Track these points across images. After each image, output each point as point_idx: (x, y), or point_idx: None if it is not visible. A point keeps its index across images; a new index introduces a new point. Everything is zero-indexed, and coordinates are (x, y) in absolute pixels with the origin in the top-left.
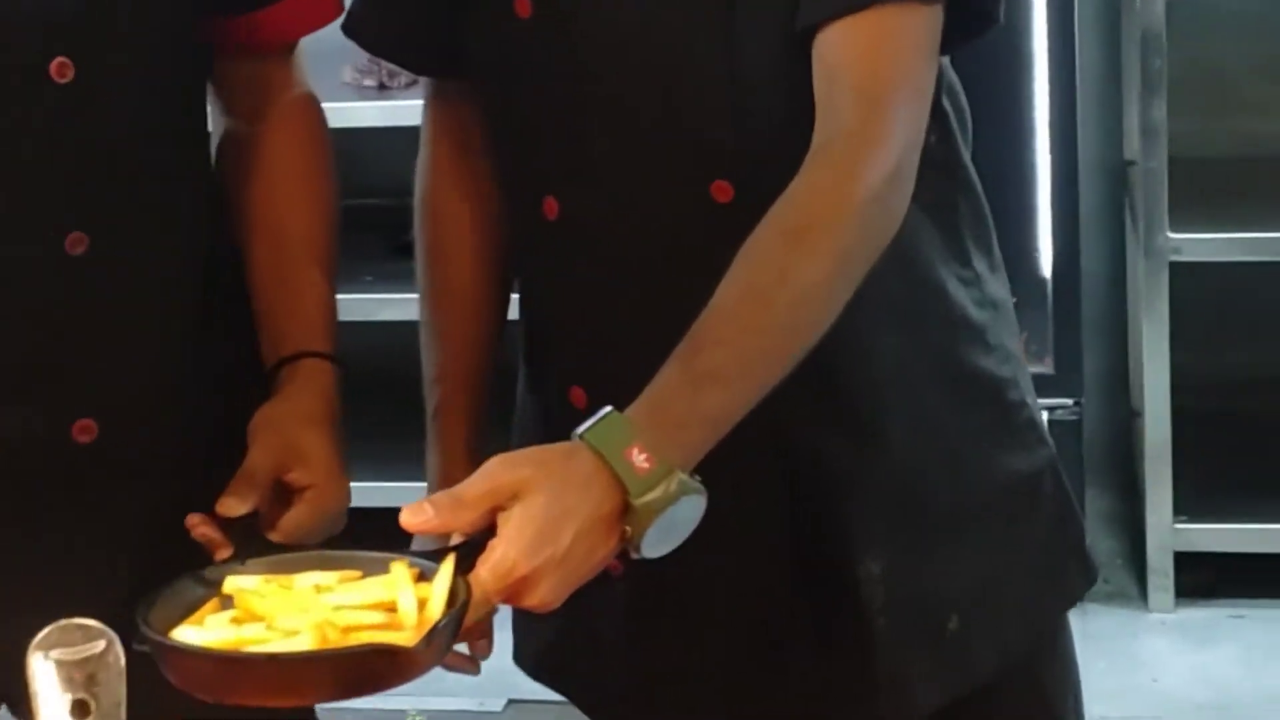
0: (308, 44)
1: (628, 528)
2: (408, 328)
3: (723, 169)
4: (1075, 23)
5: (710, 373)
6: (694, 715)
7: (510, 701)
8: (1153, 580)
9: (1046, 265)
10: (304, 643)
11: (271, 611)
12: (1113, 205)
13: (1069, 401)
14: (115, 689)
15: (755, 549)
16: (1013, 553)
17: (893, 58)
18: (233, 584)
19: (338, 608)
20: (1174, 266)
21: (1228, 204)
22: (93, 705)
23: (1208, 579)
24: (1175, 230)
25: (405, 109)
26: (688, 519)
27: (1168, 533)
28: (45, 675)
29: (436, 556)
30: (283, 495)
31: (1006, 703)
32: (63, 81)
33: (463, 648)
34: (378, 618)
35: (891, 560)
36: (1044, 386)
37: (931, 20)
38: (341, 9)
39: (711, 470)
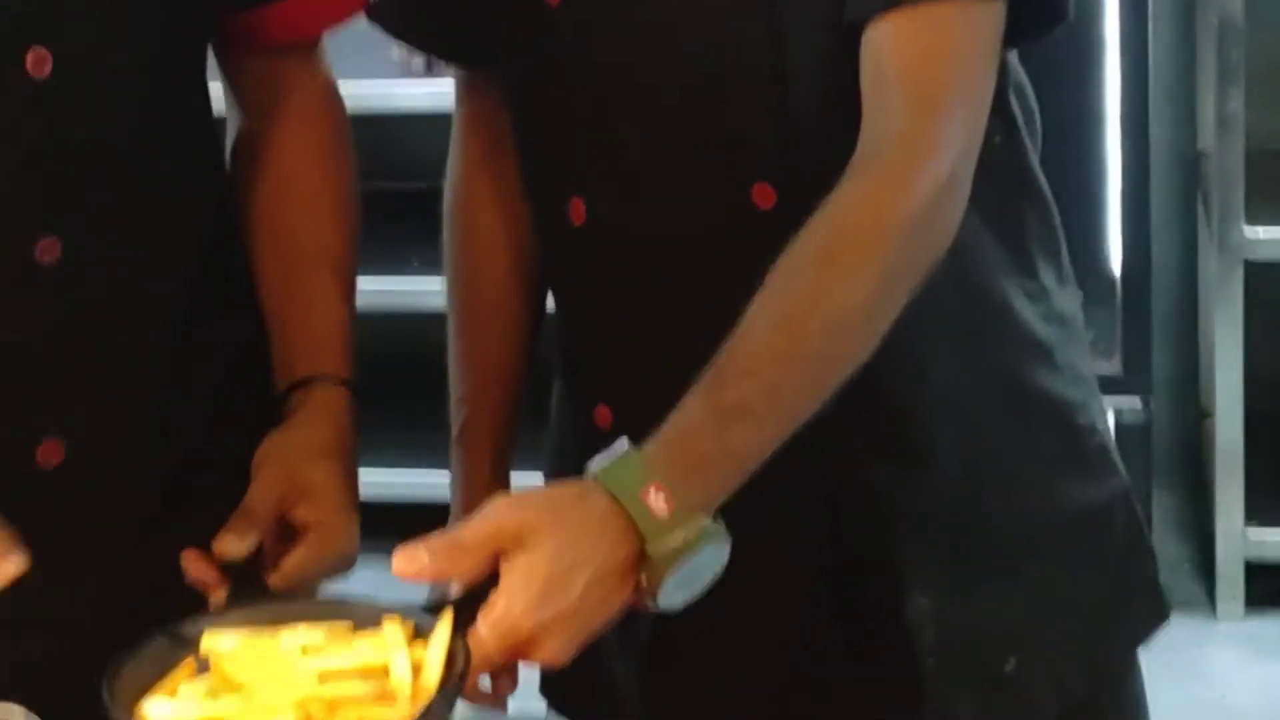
0: (357, 22)
1: (643, 577)
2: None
3: (765, 171)
4: (1149, 11)
5: (737, 406)
6: None
7: None
8: (1221, 588)
9: (1116, 261)
10: None
11: (251, 681)
12: (1185, 199)
13: (1137, 403)
14: None
15: (794, 583)
16: (1077, 589)
17: (948, 58)
18: (210, 644)
19: (324, 676)
20: (1248, 265)
21: None
22: None
23: (1279, 588)
24: (1251, 226)
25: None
26: (709, 568)
27: (1238, 539)
28: None
29: (433, 610)
30: (287, 533)
31: None
32: (39, 76)
33: (485, 682)
34: (367, 688)
35: (942, 595)
36: (1112, 386)
37: (992, 18)
38: (362, 4)
39: (746, 499)
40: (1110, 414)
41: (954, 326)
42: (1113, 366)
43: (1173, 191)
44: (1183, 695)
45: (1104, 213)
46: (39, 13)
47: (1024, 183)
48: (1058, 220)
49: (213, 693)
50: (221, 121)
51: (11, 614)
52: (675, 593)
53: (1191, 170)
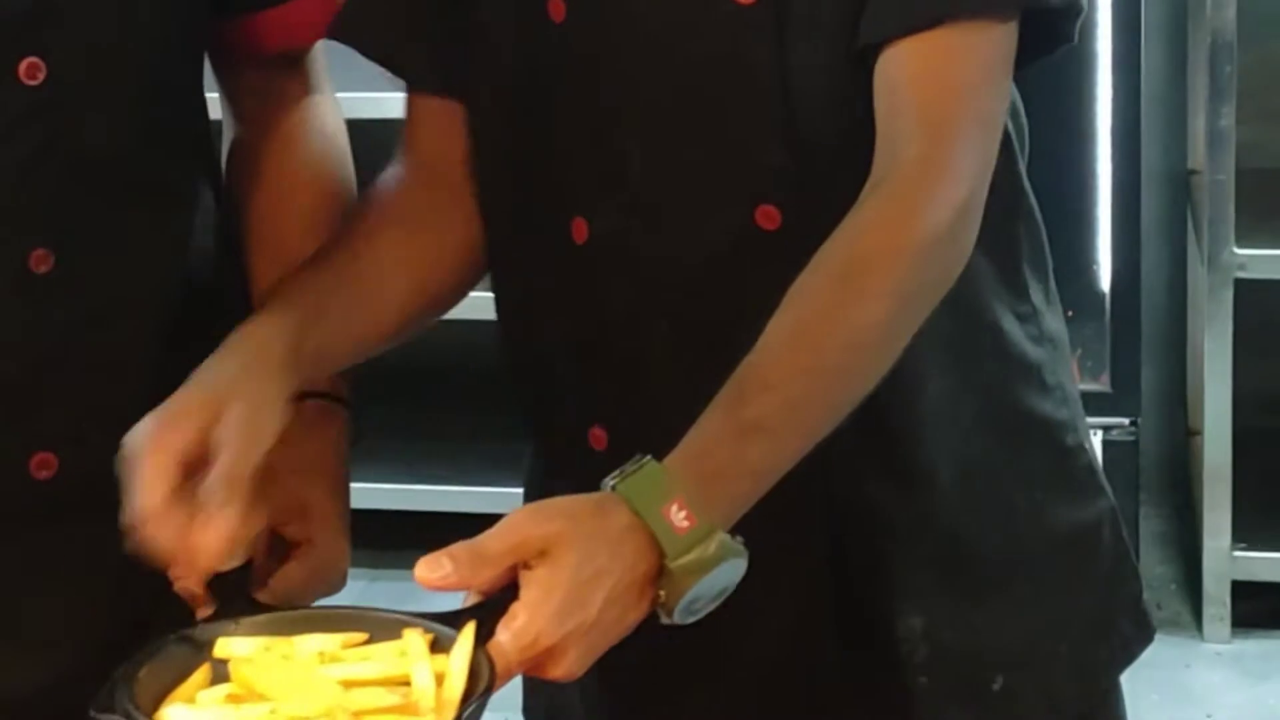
0: None
1: (661, 591)
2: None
3: (770, 193)
4: (1142, 27)
5: (757, 422)
6: None
7: None
8: (1208, 610)
9: (1105, 279)
10: None
11: (272, 688)
12: (1175, 217)
13: (1125, 421)
14: None
15: (790, 600)
16: (1065, 609)
17: (962, 82)
18: (226, 649)
19: (347, 684)
20: (1238, 283)
21: None
22: None
23: (1266, 609)
24: (1241, 245)
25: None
26: (726, 583)
27: (1225, 560)
28: None
29: (450, 619)
30: (278, 550)
31: None
32: (32, 84)
33: None
34: (392, 699)
35: (935, 615)
36: (1100, 405)
37: (1005, 38)
38: None
39: (748, 516)
40: (1098, 432)
41: (947, 348)
42: (1100, 385)
43: (1163, 209)
44: (1168, 716)
45: (1094, 230)
46: (33, 22)
47: (1017, 203)
48: (1045, 238)
49: (233, 699)
50: (218, 127)
51: (8, 627)
52: (692, 607)
53: (1182, 188)
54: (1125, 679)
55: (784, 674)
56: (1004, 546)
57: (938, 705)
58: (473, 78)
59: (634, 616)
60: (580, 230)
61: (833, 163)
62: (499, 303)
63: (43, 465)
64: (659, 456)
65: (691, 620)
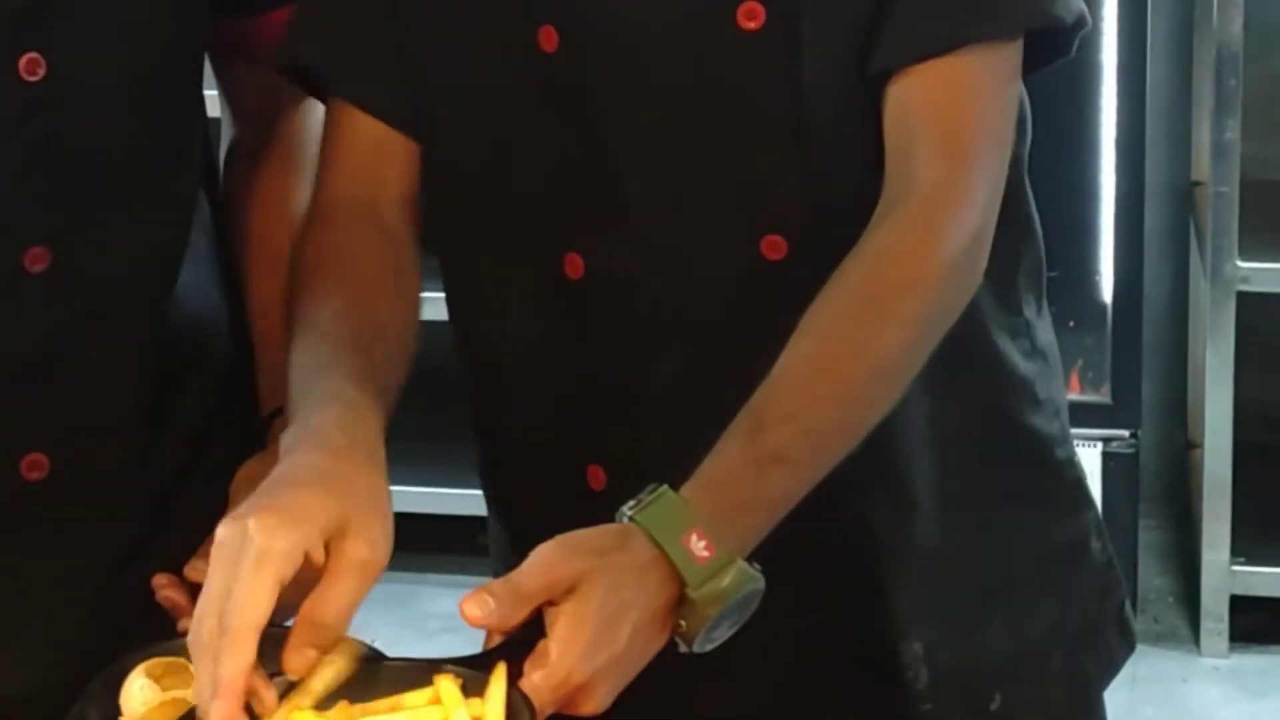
0: None
1: (683, 621)
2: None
3: (778, 223)
4: (1147, 38)
5: (776, 452)
6: None
7: None
8: (1206, 624)
9: (1107, 290)
10: None
11: None
12: (1178, 229)
13: (1125, 433)
14: None
15: (791, 624)
16: (1056, 623)
17: (974, 105)
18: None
19: None
20: (1240, 296)
21: None
22: None
23: (1264, 624)
24: (1244, 258)
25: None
26: (744, 611)
27: (1224, 574)
28: None
29: (473, 662)
30: None
31: None
32: (32, 80)
33: None
34: None
35: (932, 637)
36: (1100, 416)
37: (1014, 54)
38: None
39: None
40: (1098, 443)
41: (941, 366)
42: (1101, 396)
43: (1166, 221)
44: None
45: (1096, 241)
46: (33, 18)
47: (1018, 217)
48: (1043, 251)
49: None
50: (218, 127)
51: None
52: (710, 635)
53: (1185, 200)
54: (1122, 693)
55: (783, 700)
56: (997, 562)
57: None
58: (444, 113)
59: (656, 646)
60: (575, 266)
61: (840, 188)
62: (463, 342)
63: (34, 466)
64: None
65: (709, 649)
